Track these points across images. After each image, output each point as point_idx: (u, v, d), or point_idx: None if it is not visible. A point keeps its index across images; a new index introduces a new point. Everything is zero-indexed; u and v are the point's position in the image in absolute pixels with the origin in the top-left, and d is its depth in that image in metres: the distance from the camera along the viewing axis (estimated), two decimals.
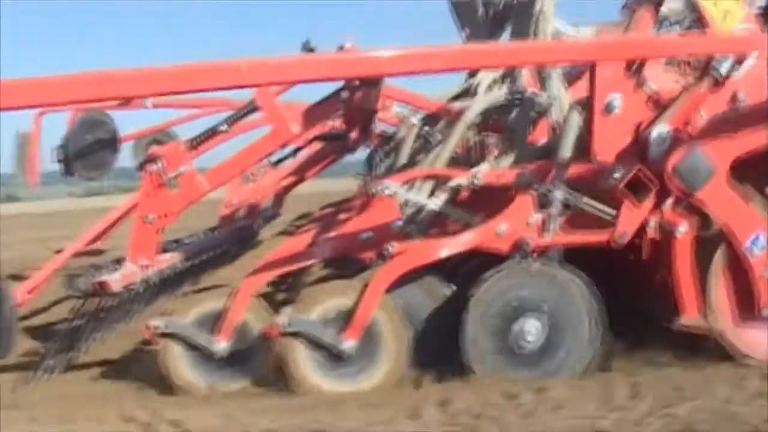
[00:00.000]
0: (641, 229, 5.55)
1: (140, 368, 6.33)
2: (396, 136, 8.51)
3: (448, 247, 5.60)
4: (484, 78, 7.45)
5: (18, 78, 4.39)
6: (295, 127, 6.11)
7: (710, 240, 5.51)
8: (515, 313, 5.43)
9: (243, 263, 9.36)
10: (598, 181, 5.60)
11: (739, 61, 5.59)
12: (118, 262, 6.29)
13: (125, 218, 8.27)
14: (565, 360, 5.43)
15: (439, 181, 5.93)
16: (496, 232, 5.55)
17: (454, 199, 5.94)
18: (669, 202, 5.49)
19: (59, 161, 9.99)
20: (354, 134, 8.34)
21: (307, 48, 6.35)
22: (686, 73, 6.00)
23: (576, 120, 5.76)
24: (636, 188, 5.44)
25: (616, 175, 5.48)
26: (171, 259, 6.81)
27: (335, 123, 8.57)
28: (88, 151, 9.80)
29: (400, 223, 5.79)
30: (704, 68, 5.66)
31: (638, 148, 5.62)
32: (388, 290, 5.54)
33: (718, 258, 5.47)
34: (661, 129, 5.56)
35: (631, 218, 5.48)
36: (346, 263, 6.36)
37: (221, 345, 5.69)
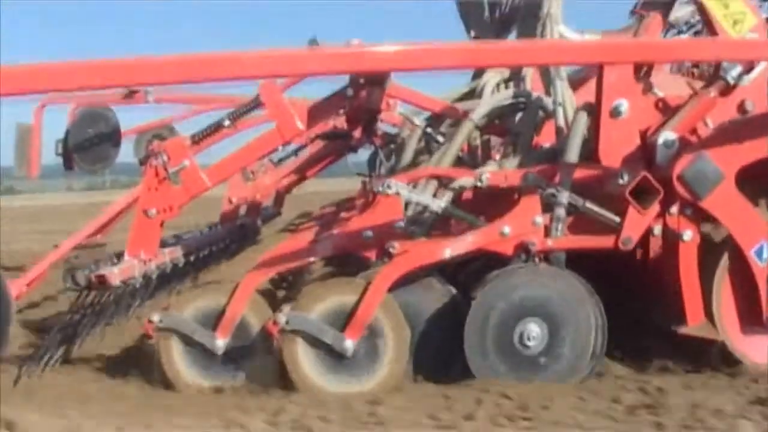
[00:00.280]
0: (646, 235, 5.52)
1: (139, 364, 6.28)
2: (399, 136, 8.50)
3: (451, 248, 5.56)
4: (490, 79, 7.45)
5: (19, 64, 4.34)
6: (301, 124, 6.06)
7: (716, 247, 5.47)
8: (518, 315, 5.38)
9: (243, 261, 9.36)
10: (603, 186, 5.57)
11: (748, 69, 5.56)
12: (118, 256, 6.25)
13: (125, 213, 8.25)
14: (567, 364, 5.38)
15: (443, 182, 5.89)
16: (501, 233, 5.52)
17: (457, 200, 5.91)
18: (675, 208, 5.45)
19: (59, 155, 9.97)
20: (356, 133, 8.33)
21: (313, 44, 6.32)
22: (693, 81, 5.97)
23: (582, 123, 5.73)
24: (641, 194, 5.40)
25: (622, 181, 5.45)
26: (171, 254, 6.78)
27: (337, 122, 8.57)
28: (89, 145, 9.79)
29: (402, 223, 5.75)
30: (713, 75, 5.63)
31: (644, 153, 5.59)
32: (390, 290, 5.50)
33: (724, 265, 5.43)
34: (668, 135, 5.53)
35: (637, 224, 5.44)
36: (347, 262, 6.32)
37: (220, 341, 5.64)
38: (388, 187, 5.73)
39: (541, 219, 5.51)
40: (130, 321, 7.37)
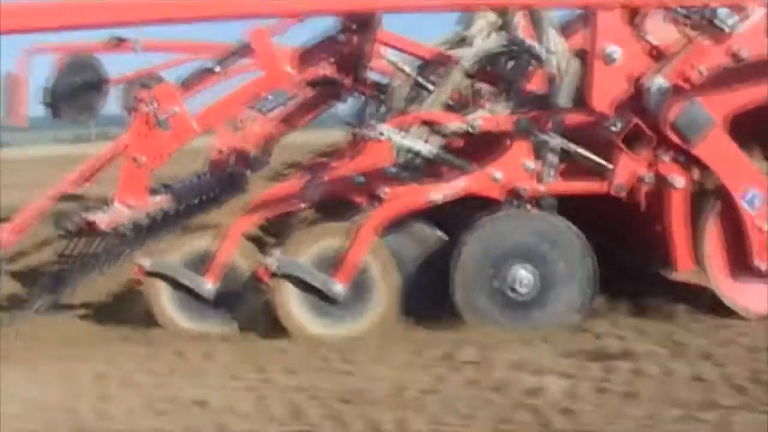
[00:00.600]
0: (637, 181, 5.51)
1: (128, 310, 6.28)
2: (389, 85, 8.44)
3: (442, 192, 5.55)
4: (481, 27, 7.38)
5: (11, 2, 4.30)
6: (290, 69, 6.01)
7: (706, 193, 5.47)
8: (509, 260, 5.37)
9: (231, 209, 9.32)
10: (595, 132, 5.55)
11: (742, 17, 5.52)
12: (106, 203, 6.22)
13: (112, 161, 8.19)
14: (557, 309, 5.38)
15: (434, 128, 5.86)
16: (493, 178, 5.50)
17: (448, 145, 5.88)
18: (666, 154, 5.43)
19: (46, 104, 9.88)
20: (346, 82, 8.26)
21: None
22: (686, 28, 5.92)
23: (575, 70, 5.71)
24: (633, 140, 5.38)
25: (614, 127, 5.42)
26: (161, 202, 6.74)
27: (326, 70, 8.49)
28: (76, 94, 9.70)
29: (393, 168, 5.72)
30: (708, 22, 5.58)
31: (637, 99, 5.56)
32: (380, 234, 5.48)
33: (714, 211, 5.43)
34: (660, 81, 5.50)
35: (628, 170, 5.43)
36: (336, 209, 6.30)
37: (210, 285, 5.63)
38: (380, 132, 5.69)
39: (532, 164, 5.50)
40: (120, 269, 7.38)
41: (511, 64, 6.77)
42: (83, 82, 9.54)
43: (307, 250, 5.50)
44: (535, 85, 6.57)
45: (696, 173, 5.49)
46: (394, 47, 6.91)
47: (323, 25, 6.46)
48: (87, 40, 9.95)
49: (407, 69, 7.26)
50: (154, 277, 5.67)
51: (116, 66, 10.61)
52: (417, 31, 7.43)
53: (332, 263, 5.46)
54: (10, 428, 4.12)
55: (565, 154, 5.51)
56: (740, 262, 5.40)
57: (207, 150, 9.75)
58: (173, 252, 5.74)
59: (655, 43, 5.78)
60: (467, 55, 6.44)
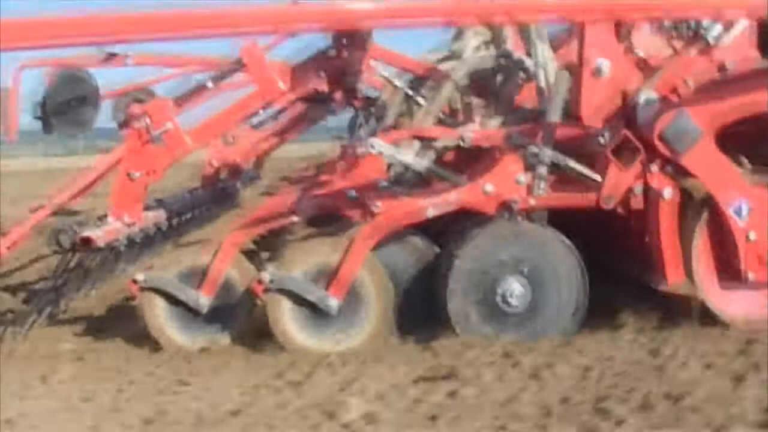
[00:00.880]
0: (626, 193, 5.57)
1: (122, 325, 6.32)
2: (380, 99, 8.50)
3: (434, 206, 5.61)
4: (471, 41, 7.44)
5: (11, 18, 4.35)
6: (282, 84, 6.07)
7: (695, 204, 5.53)
8: (501, 273, 5.43)
9: (224, 224, 9.38)
10: (585, 145, 5.61)
11: (727, 28, 5.59)
12: (101, 218, 6.26)
13: (105, 177, 8.24)
14: (548, 321, 5.44)
15: (425, 143, 5.91)
16: (484, 191, 5.56)
17: (439, 159, 5.94)
18: (655, 166, 5.49)
19: (38, 118, 9.90)
20: (337, 96, 8.31)
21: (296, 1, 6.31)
22: (673, 41, 6.00)
23: (565, 83, 5.76)
24: (622, 152, 5.44)
25: (603, 140, 5.49)
26: (155, 218, 6.79)
27: (318, 85, 8.53)
28: (68, 108, 9.72)
29: (385, 182, 5.77)
30: (694, 34, 5.66)
31: (625, 112, 5.63)
32: (373, 248, 5.54)
33: (703, 222, 5.49)
34: (648, 94, 5.57)
35: (618, 182, 5.49)
36: (329, 223, 6.35)
37: (204, 299, 5.67)
38: (372, 146, 5.75)
39: (523, 177, 5.56)
40: (113, 284, 7.42)
41: (500, 77, 6.81)
42: (75, 95, 9.56)
43: (301, 264, 5.55)
44: (524, 98, 6.62)
45: (684, 184, 5.56)
46: (385, 62, 6.95)
47: (315, 40, 6.46)
48: (78, 54, 9.97)
49: (398, 83, 7.31)
50: (149, 292, 5.71)
51: (107, 80, 10.63)
52: (409, 43, 7.49)
53: (326, 277, 5.51)
54: None
55: (555, 167, 5.57)
56: (728, 272, 5.47)
57: (196, 164, 9.84)
58: (168, 267, 5.77)
59: (642, 55, 5.85)
60: (458, 69, 6.49)
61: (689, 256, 5.48)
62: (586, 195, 5.54)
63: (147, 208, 6.80)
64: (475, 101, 7.37)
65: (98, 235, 5.85)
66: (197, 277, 5.71)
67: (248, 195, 11.78)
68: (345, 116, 11.18)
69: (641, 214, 5.59)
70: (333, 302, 5.48)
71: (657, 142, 5.38)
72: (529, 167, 5.59)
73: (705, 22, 5.55)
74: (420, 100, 7.19)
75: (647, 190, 5.53)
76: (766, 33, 5.74)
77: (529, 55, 6.53)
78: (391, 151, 5.75)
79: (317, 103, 8.76)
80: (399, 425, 4.09)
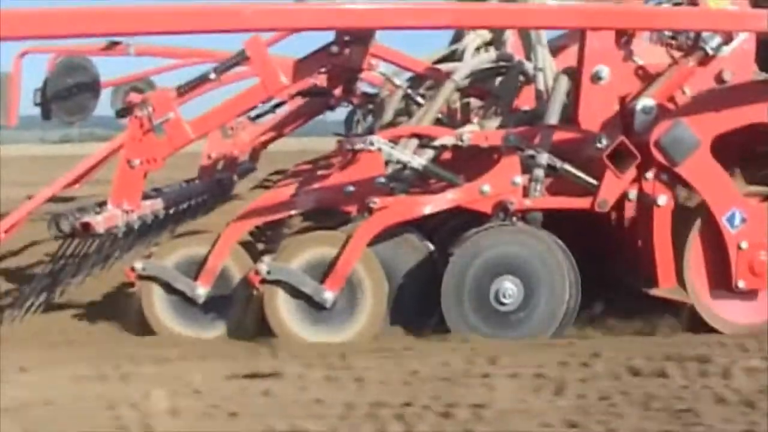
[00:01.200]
0: (621, 199, 5.65)
1: (118, 311, 6.37)
2: (378, 96, 8.58)
3: (431, 204, 5.68)
4: (471, 42, 7.52)
5: (18, 8, 4.41)
6: (285, 79, 6.12)
7: (689, 212, 5.62)
8: (494, 273, 5.50)
9: (218, 215, 9.45)
10: (582, 149, 5.69)
11: (727, 40, 5.68)
12: (100, 205, 6.31)
13: (103, 163, 8.29)
14: (541, 321, 5.52)
15: (423, 141, 5.98)
16: (481, 191, 5.63)
17: (437, 158, 6.01)
18: (651, 173, 5.57)
19: (38, 104, 9.97)
20: (336, 92, 8.39)
21: None
22: (672, 50, 6.08)
23: (564, 87, 5.84)
24: (619, 158, 5.52)
25: (600, 145, 5.57)
26: (152, 206, 6.84)
27: (317, 80, 8.62)
28: (68, 95, 9.80)
29: (383, 179, 5.84)
30: (693, 44, 5.74)
31: (623, 119, 5.71)
32: (370, 244, 5.61)
33: (696, 230, 5.57)
34: (646, 101, 5.65)
35: (613, 187, 5.57)
36: (326, 217, 6.42)
37: (201, 290, 5.73)
38: (371, 143, 5.82)
39: (520, 179, 5.63)
40: (109, 270, 7.48)
41: (499, 79, 6.90)
42: (76, 83, 9.63)
43: (298, 257, 5.62)
44: (522, 100, 6.71)
45: (679, 192, 5.64)
46: (386, 60, 7.02)
47: (319, 36, 6.51)
48: (80, 42, 10.04)
49: (398, 82, 7.39)
50: (147, 281, 5.76)
51: (109, 68, 10.70)
52: (408, 42, 7.55)
53: (323, 271, 5.58)
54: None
55: (551, 170, 5.65)
56: (720, 279, 5.56)
57: (191, 155, 9.89)
58: (166, 256, 5.83)
59: (641, 62, 5.92)
60: (459, 70, 6.57)
61: (681, 263, 5.56)
62: (581, 198, 5.62)
63: (145, 196, 6.84)
64: (473, 102, 7.47)
65: (98, 221, 5.89)
66: (195, 267, 5.76)
67: (243, 187, 11.86)
68: (344, 112, 11.29)
69: (635, 219, 5.68)
70: (328, 295, 5.55)
71: (653, 150, 5.45)
72: (526, 169, 5.67)
73: (704, 34, 5.63)
74: (419, 99, 7.28)
75: (642, 196, 5.61)
76: (764, 46, 5.84)
77: (528, 58, 6.62)
78: (389, 148, 5.82)
79: (316, 97, 8.82)
80: (200, 419, 4.10)
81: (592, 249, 5.81)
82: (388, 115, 7.22)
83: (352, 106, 10.31)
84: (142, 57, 10.83)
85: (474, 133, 5.88)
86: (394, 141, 5.92)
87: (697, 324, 5.54)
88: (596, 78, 5.75)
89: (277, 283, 5.57)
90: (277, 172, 13.92)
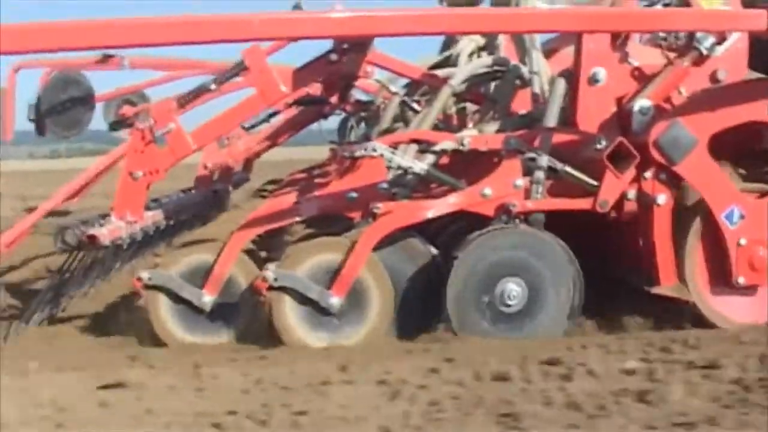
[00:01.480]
0: (621, 199, 5.72)
1: (122, 322, 6.41)
2: (373, 103, 8.64)
3: (434, 208, 5.75)
4: (465, 47, 7.58)
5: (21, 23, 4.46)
6: (284, 88, 6.17)
7: (688, 210, 5.69)
8: (499, 275, 5.56)
9: (215, 225, 9.50)
10: (581, 151, 5.77)
11: (720, 40, 5.76)
12: (103, 217, 6.35)
13: (102, 176, 8.35)
14: (545, 322, 5.58)
15: (423, 146, 6.04)
16: (483, 194, 5.70)
17: (438, 163, 6.07)
18: (649, 173, 5.64)
19: (32, 120, 9.99)
20: (333, 100, 8.43)
21: (298, 8, 6.43)
22: (666, 51, 6.15)
23: (561, 89, 5.91)
24: (618, 158, 5.60)
25: (600, 146, 5.65)
26: (154, 217, 6.89)
27: (310, 88, 8.65)
28: (62, 110, 9.81)
29: (386, 184, 5.91)
30: (687, 44, 5.82)
31: (621, 120, 5.79)
32: (374, 249, 5.67)
33: (696, 228, 5.65)
34: (643, 102, 5.73)
35: (613, 187, 5.64)
36: (328, 223, 6.47)
37: (208, 298, 5.78)
38: (373, 149, 5.88)
39: (521, 181, 5.70)
40: (111, 282, 7.52)
41: (496, 83, 6.96)
42: (70, 97, 9.65)
43: (303, 263, 5.68)
44: (516, 104, 6.77)
45: (678, 190, 5.71)
46: (383, 67, 7.07)
47: (312, 45, 6.57)
48: (74, 56, 10.07)
49: (394, 89, 7.45)
50: (153, 290, 5.81)
51: (100, 82, 10.73)
52: (399, 48, 7.60)
53: (329, 277, 5.64)
54: None
55: (552, 172, 5.72)
56: (720, 275, 5.64)
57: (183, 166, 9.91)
58: (172, 265, 5.88)
59: (637, 64, 6.00)
60: (455, 75, 6.63)
61: (682, 261, 5.64)
62: (582, 199, 5.69)
63: (147, 208, 6.88)
64: (469, 107, 7.54)
65: (104, 233, 5.94)
66: (201, 275, 5.81)
67: (237, 197, 11.90)
68: (333, 121, 11.30)
69: (635, 218, 5.75)
70: (335, 300, 5.61)
71: (652, 150, 5.53)
72: (527, 172, 5.74)
73: (698, 34, 5.71)
74: (415, 105, 7.35)
75: (641, 195, 5.68)
76: (756, 46, 5.93)
77: (522, 62, 6.69)
78: (391, 154, 5.89)
79: (311, 106, 8.86)
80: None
81: (594, 249, 5.87)
82: (385, 122, 7.28)
83: (345, 113, 10.33)
84: (135, 70, 10.86)
85: (474, 137, 5.95)
86: (394, 147, 5.99)
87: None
88: (593, 80, 5.84)
89: (283, 289, 5.63)
90: (271, 182, 13.96)
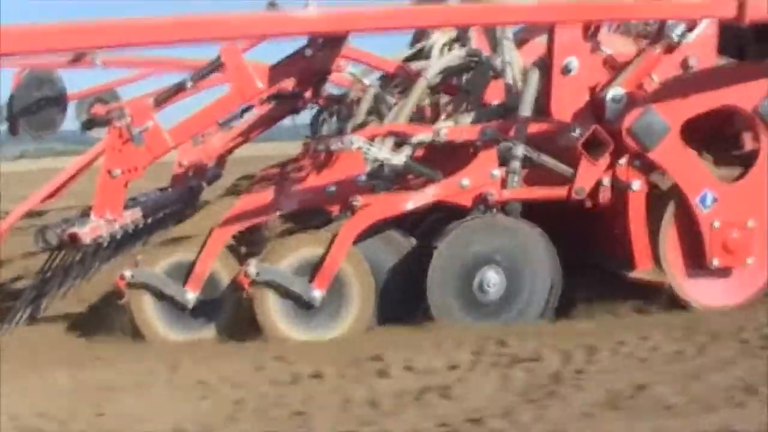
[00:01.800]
0: (596, 185, 5.80)
1: (103, 321, 6.42)
2: (347, 97, 8.68)
3: (413, 200, 5.81)
4: (438, 40, 7.63)
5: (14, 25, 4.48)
6: (261, 84, 6.21)
7: (662, 196, 5.78)
8: (478, 263, 5.64)
9: (191, 222, 9.52)
10: (556, 139, 5.85)
11: (691, 28, 5.84)
12: (83, 216, 6.37)
13: (80, 175, 8.34)
14: (524, 309, 5.66)
15: (400, 139, 6.10)
16: (460, 185, 5.76)
17: (415, 155, 6.13)
18: (624, 159, 5.73)
19: (5, 119, 9.96)
20: (307, 95, 8.47)
21: (272, 8, 6.47)
22: (638, 40, 6.24)
23: (535, 80, 5.98)
24: (592, 146, 5.68)
25: (575, 134, 5.73)
26: (133, 215, 6.91)
27: (282, 84, 8.68)
28: (35, 110, 9.79)
29: (364, 177, 5.96)
30: (658, 32, 5.90)
31: (594, 108, 5.87)
32: (354, 242, 5.72)
33: (670, 213, 5.74)
34: (616, 90, 5.80)
35: (589, 174, 5.72)
36: (307, 218, 6.52)
37: (191, 294, 5.82)
38: (351, 143, 5.93)
39: (498, 171, 5.77)
40: (90, 281, 7.53)
41: (469, 75, 7.03)
42: (43, 97, 9.64)
43: (285, 258, 5.72)
44: (490, 95, 6.84)
45: (652, 176, 5.80)
46: (358, 61, 7.12)
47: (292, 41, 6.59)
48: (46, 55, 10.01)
49: (367, 81, 7.50)
50: (137, 289, 5.84)
51: (73, 81, 10.70)
52: (371, 43, 7.66)
53: (310, 271, 5.69)
54: None
55: (528, 161, 5.79)
56: (695, 259, 5.74)
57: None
58: (154, 263, 5.91)
59: (609, 52, 6.08)
60: (430, 68, 6.69)
61: (657, 245, 5.73)
62: (558, 187, 5.77)
63: (125, 206, 6.90)
64: (442, 99, 7.60)
65: (85, 231, 5.96)
66: (183, 272, 5.85)
67: (211, 195, 11.91)
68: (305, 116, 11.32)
69: (610, 204, 5.83)
70: (317, 294, 5.66)
71: (626, 137, 5.61)
72: (503, 162, 5.81)
73: (669, 22, 5.80)
74: (388, 98, 7.39)
75: (616, 182, 5.76)
76: (727, 32, 6.03)
77: (494, 52, 6.76)
78: (369, 147, 5.94)
79: (285, 101, 8.88)
80: None
81: (571, 236, 5.95)
82: (361, 115, 7.33)
83: (318, 107, 10.37)
84: (106, 69, 10.81)
85: (450, 128, 6.01)
86: (371, 140, 6.04)
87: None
88: (566, 70, 5.92)
89: (266, 284, 5.67)
90: (244, 177, 13.97)
